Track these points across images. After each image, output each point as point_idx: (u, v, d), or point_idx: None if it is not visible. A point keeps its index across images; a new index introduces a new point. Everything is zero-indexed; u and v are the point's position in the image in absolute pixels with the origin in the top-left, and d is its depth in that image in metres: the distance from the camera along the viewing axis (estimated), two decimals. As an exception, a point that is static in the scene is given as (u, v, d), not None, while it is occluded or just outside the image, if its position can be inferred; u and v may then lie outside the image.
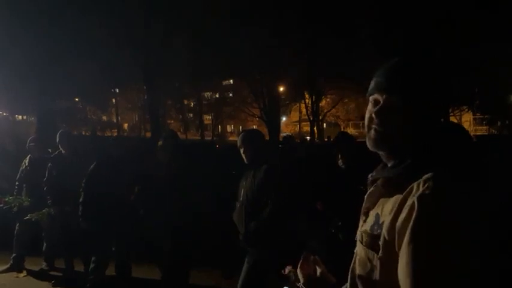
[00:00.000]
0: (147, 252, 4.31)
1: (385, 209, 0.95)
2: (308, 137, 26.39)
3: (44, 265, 4.95)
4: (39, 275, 4.82)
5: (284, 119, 40.05)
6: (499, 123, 24.48)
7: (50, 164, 4.59)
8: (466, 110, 24.07)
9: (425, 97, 0.98)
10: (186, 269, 3.80)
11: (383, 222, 0.95)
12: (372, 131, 1.04)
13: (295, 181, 4.22)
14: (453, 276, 0.83)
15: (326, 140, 22.79)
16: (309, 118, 27.39)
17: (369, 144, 1.05)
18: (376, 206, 0.99)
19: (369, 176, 1.07)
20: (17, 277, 4.78)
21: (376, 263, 0.95)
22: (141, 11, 16.90)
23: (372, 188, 1.04)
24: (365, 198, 1.05)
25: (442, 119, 1.04)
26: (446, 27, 15.23)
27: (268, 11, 17.75)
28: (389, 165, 1.04)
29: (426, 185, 0.89)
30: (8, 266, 4.90)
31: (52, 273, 4.87)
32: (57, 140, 4.61)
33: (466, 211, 0.85)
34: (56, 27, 14.26)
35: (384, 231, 0.93)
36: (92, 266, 4.16)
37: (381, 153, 1.06)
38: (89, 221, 4.05)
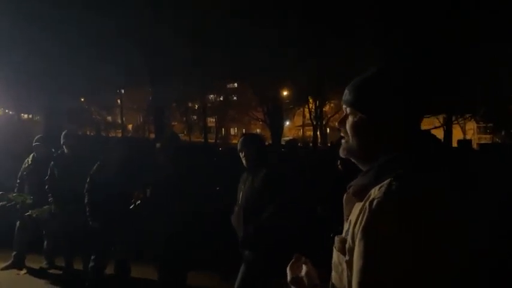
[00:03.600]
0: (147, 252, 4.34)
1: (354, 215, 1.00)
2: (309, 142, 26.35)
3: (44, 263, 4.99)
4: (39, 273, 4.86)
5: (288, 123, 40.06)
6: (503, 132, 24.39)
7: (52, 163, 4.65)
8: (469, 118, 23.96)
9: (386, 112, 1.03)
10: (184, 270, 3.82)
11: (349, 228, 1.00)
12: (342, 140, 1.12)
13: (296, 186, 4.25)
14: (395, 277, 0.86)
15: (329, 145, 22.79)
16: (313, 123, 27.40)
17: (339, 152, 1.12)
18: (351, 213, 1.03)
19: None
20: (18, 274, 4.82)
21: (344, 266, 1.00)
22: (146, 12, 17.02)
23: (345, 196, 1.08)
24: (344, 206, 1.09)
25: (412, 128, 1.06)
26: (452, 34, 15.21)
27: (272, 15, 17.79)
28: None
29: (379, 190, 0.93)
30: (9, 262, 4.95)
31: (52, 271, 4.92)
32: (62, 139, 4.68)
33: (413, 217, 0.88)
34: (63, 28, 14.38)
35: (349, 237, 0.98)
36: (91, 264, 4.20)
37: (353, 160, 1.11)
38: (98, 220, 4.11)
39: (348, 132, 1.09)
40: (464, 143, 19.58)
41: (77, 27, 14.88)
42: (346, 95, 1.10)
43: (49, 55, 13.89)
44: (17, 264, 4.94)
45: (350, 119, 1.09)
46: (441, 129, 20.90)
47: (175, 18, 17.58)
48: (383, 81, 1.05)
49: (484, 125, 29.58)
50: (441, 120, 21.39)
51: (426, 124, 18.87)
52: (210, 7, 16.97)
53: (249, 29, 17.27)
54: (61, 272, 4.87)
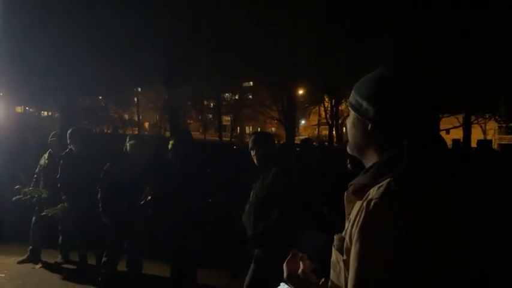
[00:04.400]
0: (159, 249, 4.37)
1: (353, 214, 0.99)
2: (325, 141, 26.19)
3: (59, 258, 5.08)
4: (54, 267, 4.94)
5: (303, 122, 39.96)
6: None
7: (61, 161, 4.70)
8: (489, 118, 23.39)
9: (381, 113, 1.02)
10: (194, 268, 3.84)
11: (348, 227, 0.99)
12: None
13: (308, 185, 4.21)
14: (390, 279, 0.85)
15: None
16: (328, 122, 27.21)
17: (347, 148, 1.14)
18: (352, 211, 1.02)
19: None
20: (33, 268, 4.92)
21: (342, 265, 0.99)
22: (163, 12, 17.18)
23: (346, 194, 1.07)
24: (345, 204, 1.08)
25: (411, 129, 1.02)
26: (471, 33, 14.87)
27: (288, 14, 17.74)
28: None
29: (378, 190, 0.92)
30: (25, 257, 5.05)
31: (66, 266, 5.00)
32: (67, 138, 4.69)
33: (410, 219, 0.87)
34: (82, 27, 14.64)
35: (347, 236, 0.97)
36: (103, 260, 4.25)
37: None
38: (110, 217, 4.16)
39: (347, 129, 1.12)
40: (484, 143, 19.15)
41: (95, 27, 15.13)
42: (350, 95, 1.13)
43: (68, 54, 14.16)
44: (33, 259, 5.03)
45: (349, 117, 1.12)
46: (461, 129, 20.48)
47: (191, 18, 17.70)
48: (376, 82, 1.05)
49: (505, 125, 28.87)
50: (461, 120, 20.96)
51: (445, 123, 18.52)
52: (226, 7, 17.05)
53: (265, 28, 17.27)
54: (75, 267, 4.95)
